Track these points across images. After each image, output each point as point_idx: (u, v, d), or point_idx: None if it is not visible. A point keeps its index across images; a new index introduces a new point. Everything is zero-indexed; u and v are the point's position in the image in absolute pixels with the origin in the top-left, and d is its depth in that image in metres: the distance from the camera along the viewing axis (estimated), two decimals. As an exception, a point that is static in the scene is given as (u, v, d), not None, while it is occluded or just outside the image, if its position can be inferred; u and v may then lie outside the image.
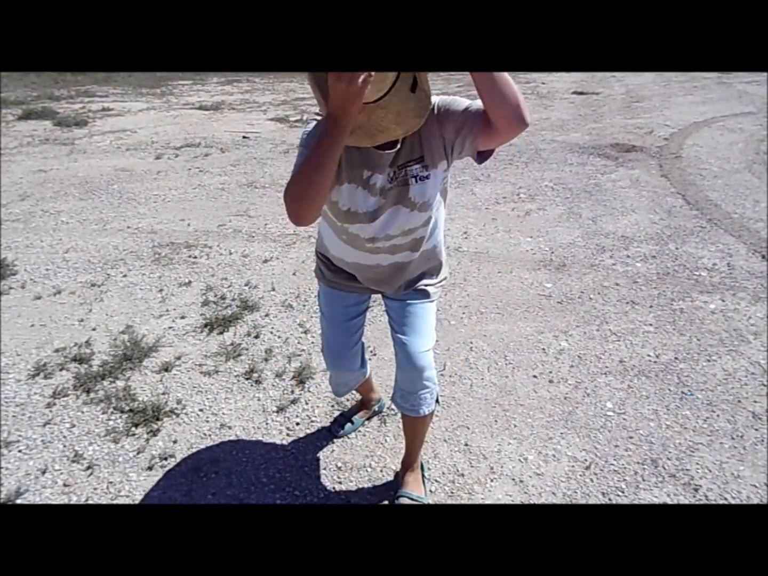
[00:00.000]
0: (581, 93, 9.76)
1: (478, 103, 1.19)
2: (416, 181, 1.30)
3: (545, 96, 9.61)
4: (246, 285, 3.05)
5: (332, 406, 2.14)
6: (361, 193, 1.30)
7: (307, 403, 2.16)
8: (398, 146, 1.26)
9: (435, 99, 1.25)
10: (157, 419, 2.05)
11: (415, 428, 1.68)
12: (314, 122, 1.27)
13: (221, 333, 2.60)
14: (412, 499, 1.68)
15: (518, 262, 3.35)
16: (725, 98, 9.11)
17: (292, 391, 2.22)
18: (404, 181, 1.30)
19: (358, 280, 1.53)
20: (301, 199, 1.13)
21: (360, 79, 1.01)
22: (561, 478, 1.82)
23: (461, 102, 1.24)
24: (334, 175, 1.27)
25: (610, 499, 1.74)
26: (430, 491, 1.77)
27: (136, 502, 1.73)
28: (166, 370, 2.32)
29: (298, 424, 2.06)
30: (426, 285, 1.54)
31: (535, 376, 2.32)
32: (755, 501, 1.73)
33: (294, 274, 3.18)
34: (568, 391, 2.23)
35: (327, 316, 1.65)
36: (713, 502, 1.73)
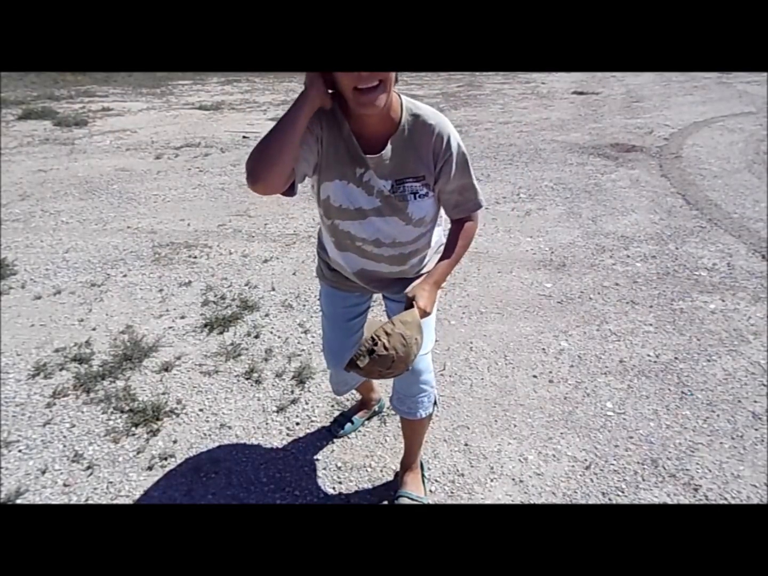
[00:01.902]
0: (581, 93, 9.76)
1: (474, 194, 1.40)
2: (415, 198, 1.32)
3: (545, 96, 9.61)
4: (246, 285, 3.05)
5: (332, 406, 2.14)
6: (355, 190, 1.31)
7: (307, 403, 2.16)
8: (383, 151, 1.27)
9: (456, 144, 1.30)
10: (157, 419, 2.05)
11: (413, 430, 1.68)
12: None
13: (221, 333, 2.60)
14: (412, 499, 1.68)
15: (518, 262, 3.35)
16: (725, 98, 9.11)
17: (292, 391, 2.22)
18: (402, 197, 1.31)
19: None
20: (257, 158, 1.18)
21: None
22: (561, 478, 1.82)
23: (465, 177, 1.35)
24: (320, 171, 1.29)
25: (610, 499, 1.74)
26: (430, 491, 1.77)
27: (136, 502, 1.72)
28: (166, 370, 2.32)
29: (298, 424, 2.06)
30: None
31: (535, 376, 2.32)
32: (755, 501, 1.73)
33: (294, 274, 3.18)
34: (568, 391, 2.23)
35: (328, 316, 1.65)
36: (713, 502, 1.73)
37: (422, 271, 1.52)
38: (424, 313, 1.33)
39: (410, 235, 1.39)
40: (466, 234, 1.44)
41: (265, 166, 1.17)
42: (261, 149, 1.17)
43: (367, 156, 1.27)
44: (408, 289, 1.38)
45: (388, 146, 1.27)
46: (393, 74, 1.16)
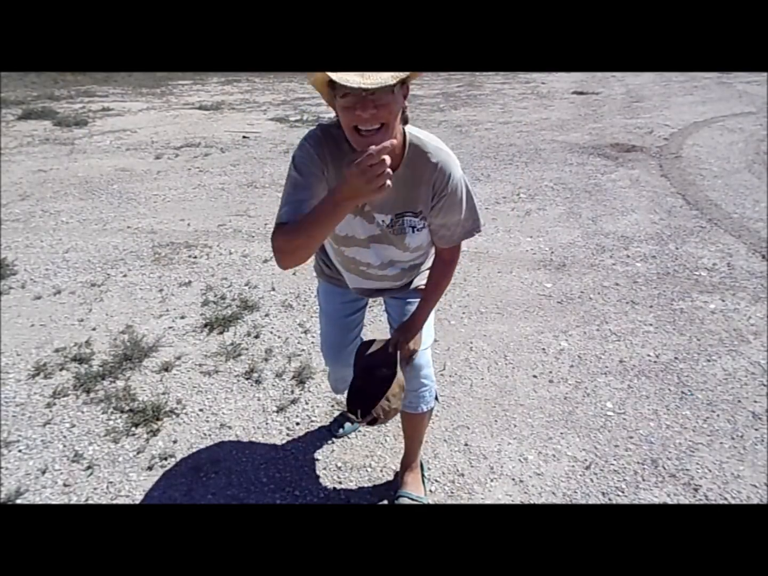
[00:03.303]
0: (581, 93, 9.76)
1: (461, 229, 1.36)
2: (413, 231, 1.34)
3: (545, 96, 9.61)
4: (246, 285, 3.05)
5: (332, 406, 2.14)
6: (359, 221, 1.33)
7: (307, 403, 2.16)
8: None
9: (455, 183, 1.27)
10: (157, 419, 2.05)
11: (414, 426, 1.68)
12: (313, 140, 1.23)
13: (221, 333, 2.60)
14: (411, 499, 1.68)
15: (518, 262, 3.35)
16: (725, 98, 9.12)
17: (292, 391, 2.22)
18: (401, 230, 1.33)
19: None
20: (290, 255, 1.14)
21: (379, 184, 0.94)
22: (561, 478, 1.82)
23: (458, 213, 1.32)
24: None
25: (610, 499, 1.74)
26: (430, 491, 1.77)
27: (136, 502, 1.72)
28: (166, 370, 2.32)
29: (298, 424, 2.06)
30: (423, 285, 1.54)
31: (535, 376, 2.32)
32: (755, 501, 1.73)
33: (294, 274, 3.18)
34: (568, 391, 2.23)
35: (326, 312, 1.65)
36: (713, 502, 1.73)
37: (420, 272, 1.55)
38: (413, 352, 1.46)
39: (410, 257, 1.44)
40: (449, 270, 1.47)
41: (296, 262, 1.16)
42: (293, 248, 1.11)
43: None
44: (395, 334, 1.49)
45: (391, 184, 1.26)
46: (396, 117, 1.11)
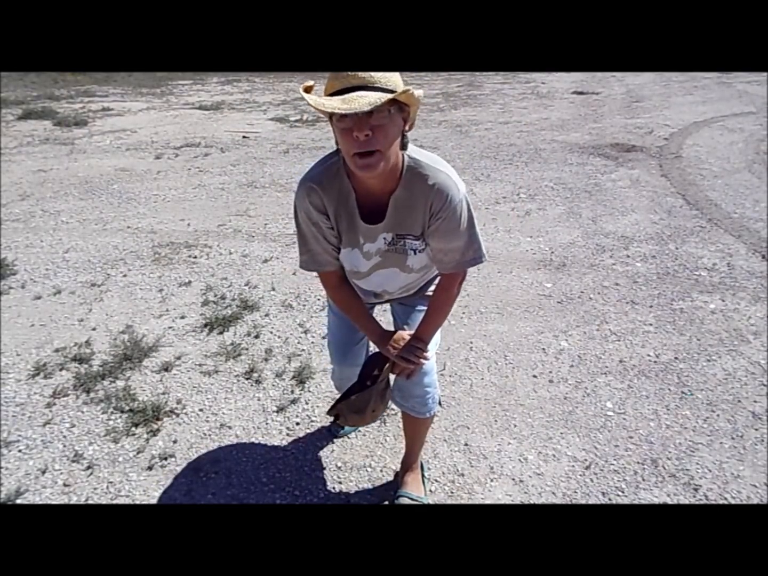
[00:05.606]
0: (581, 93, 9.77)
1: (461, 257, 1.35)
2: (415, 253, 1.35)
3: (545, 96, 9.62)
4: (246, 285, 3.05)
5: (332, 406, 2.14)
6: (359, 255, 1.36)
7: (307, 403, 2.16)
8: (383, 220, 1.28)
9: (452, 207, 1.24)
10: (157, 419, 2.05)
11: (415, 428, 1.68)
12: (307, 191, 1.26)
13: (221, 333, 2.60)
14: (412, 499, 1.68)
15: (518, 262, 3.34)
16: (725, 98, 9.12)
17: (292, 391, 2.22)
18: (402, 250, 1.34)
19: None
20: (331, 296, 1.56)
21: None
22: (561, 478, 1.82)
23: (457, 238, 1.30)
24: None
25: (610, 499, 1.74)
26: (430, 491, 1.77)
27: (136, 502, 1.72)
28: (166, 370, 2.32)
29: (298, 424, 2.06)
30: (432, 291, 1.54)
31: (535, 376, 2.32)
32: (755, 501, 1.73)
33: (294, 274, 3.18)
34: (568, 391, 2.23)
35: (335, 311, 1.65)
36: (713, 502, 1.73)
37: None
38: (413, 371, 1.47)
39: (415, 277, 1.45)
40: (447, 299, 1.45)
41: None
42: (337, 303, 1.52)
43: (369, 226, 1.29)
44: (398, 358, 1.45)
45: (389, 208, 1.26)
46: (392, 142, 1.11)
